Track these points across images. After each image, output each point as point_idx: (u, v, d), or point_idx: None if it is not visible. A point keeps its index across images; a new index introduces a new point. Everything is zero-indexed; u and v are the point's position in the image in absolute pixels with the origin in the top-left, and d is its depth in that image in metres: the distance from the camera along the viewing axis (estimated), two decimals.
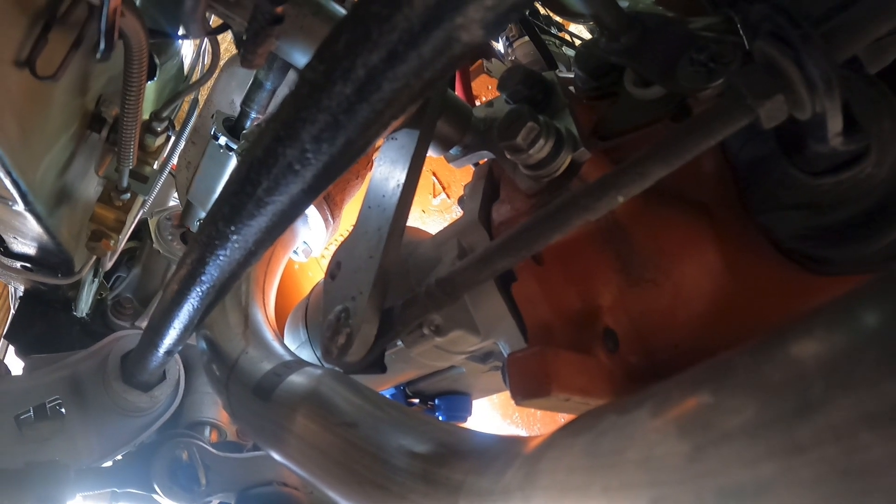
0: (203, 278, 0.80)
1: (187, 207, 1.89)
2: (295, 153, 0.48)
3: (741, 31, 0.88)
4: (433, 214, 2.19)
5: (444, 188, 2.14)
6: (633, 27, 0.83)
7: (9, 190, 0.92)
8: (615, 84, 0.93)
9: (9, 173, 0.87)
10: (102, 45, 0.75)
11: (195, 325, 1.01)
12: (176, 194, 2.29)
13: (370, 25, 0.37)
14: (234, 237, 0.65)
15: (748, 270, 0.77)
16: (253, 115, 1.47)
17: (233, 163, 1.63)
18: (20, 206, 1.01)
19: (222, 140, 1.53)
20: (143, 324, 2.22)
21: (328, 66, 0.40)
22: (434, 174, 2.18)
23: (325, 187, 0.52)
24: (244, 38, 0.75)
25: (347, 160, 0.48)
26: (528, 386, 0.75)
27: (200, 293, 0.85)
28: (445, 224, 1.04)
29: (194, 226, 1.89)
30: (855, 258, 0.70)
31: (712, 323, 0.79)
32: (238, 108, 1.52)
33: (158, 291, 2.22)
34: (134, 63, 0.91)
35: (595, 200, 0.60)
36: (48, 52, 0.76)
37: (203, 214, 1.84)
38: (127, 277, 2.39)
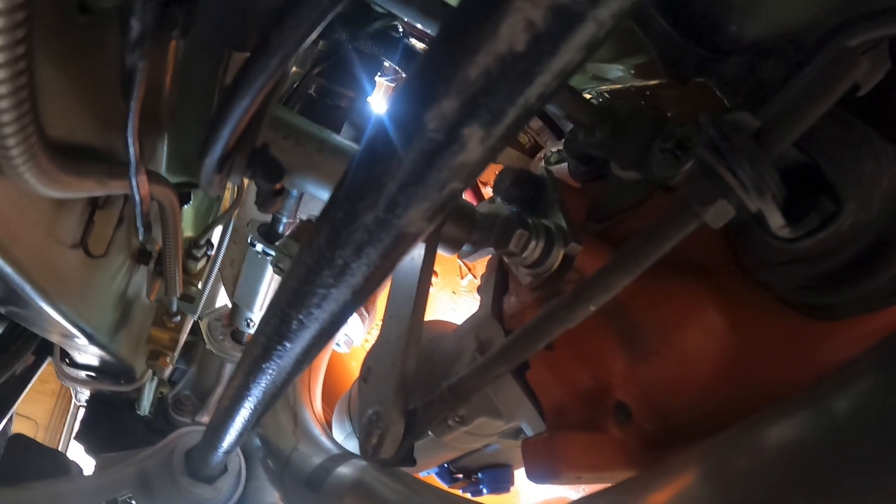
0: (250, 398, 0.90)
1: (234, 309, 2.02)
2: (303, 314, 0.59)
3: (720, 93, 0.92)
4: (463, 295, 2.29)
5: (469, 270, 2.24)
6: (606, 120, 0.88)
7: (72, 332, 1.03)
8: (605, 165, 0.98)
9: (74, 323, 0.99)
10: (141, 231, 0.87)
11: (249, 429, 1.10)
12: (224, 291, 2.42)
13: (340, 229, 0.48)
14: (270, 371, 0.75)
15: (754, 326, 0.78)
16: (284, 220, 1.57)
17: (270, 265, 1.75)
18: (84, 341, 1.12)
19: (259, 247, 1.64)
20: (203, 418, 2.34)
21: (316, 257, 0.51)
22: (458, 257, 2.28)
23: (332, 336, 0.63)
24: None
25: (343, 317, 0.59)
26: (539, 470, 0.83)
27: (250, 408, 0.95)
28: (476, 302, 1.12)
29: (243, 325, 2.01)
30: (857, 299, 0.70)
31: (724, 382, 0.81)
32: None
33: (214, 388, 2.34)
34: (168, 219, 1.03)
35: (570, 311, 0.68)
36: (96, 232, 0.89)
37: (249, 314, 1.96)
38: (186, 373, 2.51)
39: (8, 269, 0.73)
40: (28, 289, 0.79)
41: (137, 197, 0.81)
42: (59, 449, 7.15)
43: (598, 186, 1.04)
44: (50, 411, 6.67)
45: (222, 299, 2.33)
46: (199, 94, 0.91)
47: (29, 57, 0.45)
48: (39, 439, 7.05)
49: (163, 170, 1.11)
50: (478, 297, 1.11)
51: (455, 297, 2.28)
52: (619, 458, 0.86)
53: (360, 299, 0.55)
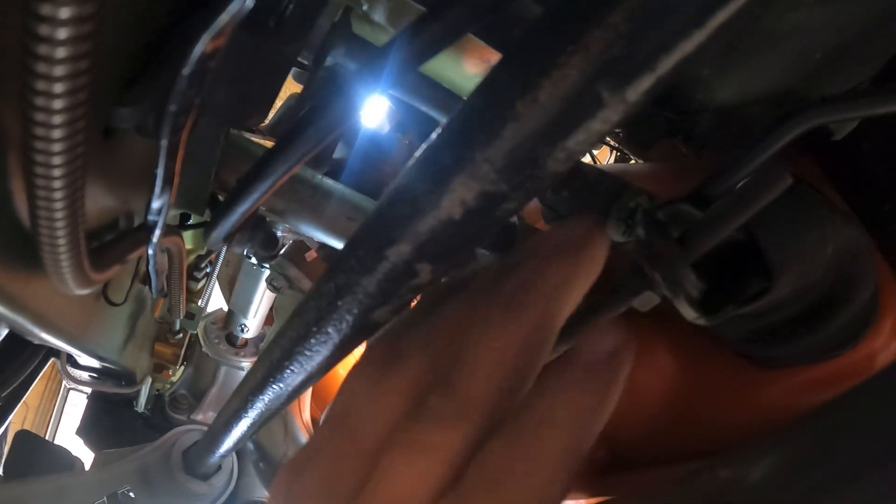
0: (251, 412, 1.00)
1: (229, 314, 2.14)
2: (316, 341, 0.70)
3: (685, 150, 0.96)
4: None
5: None
6: (575, 179, 0.93)
7: (89, 360, 1.13)
8: None
9: (94, 354, 1.09)
10: (155, 291, 0.98)
11: (247, 438, 1.21)
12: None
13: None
14: (272, 390, 0.86)
15: (700, 370, 0.81)
16: (279, 233, 1.67)
17: (264, 276, 1.86)
18: (96, 363, 1.23)
19: (254, 260, 1.76)
20: (198, 416, 2.45)
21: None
22: None
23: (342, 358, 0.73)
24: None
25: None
26: None
27: (249, 421, 1.04)
28: None
29: (237, 330, 2.13)
30: (798, 353, 0.72)
31: (669, 418, 0.84)
32: None
33: (209, 388, 2.44)
34: (175, 259, 1.11)
35: None
36: (114, 283, 0.99)
37: (244, 320, 2.09)
38: (182, 373, 2.60)
39: (41, 331, 0.80)
40: (57, 338, 0.88)
41: (154, 280, 0.90)
42: (49, 430, 7.24)
43: None
44: (41, 394, 6.80)
45: (215, 302, 2.44)
46: (204, 147, 1.00)
47: (81, 183, 0.52)
48: (30, 422, 7.11)
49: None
50: None
51: None
52: (578, 482, 0.95)
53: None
